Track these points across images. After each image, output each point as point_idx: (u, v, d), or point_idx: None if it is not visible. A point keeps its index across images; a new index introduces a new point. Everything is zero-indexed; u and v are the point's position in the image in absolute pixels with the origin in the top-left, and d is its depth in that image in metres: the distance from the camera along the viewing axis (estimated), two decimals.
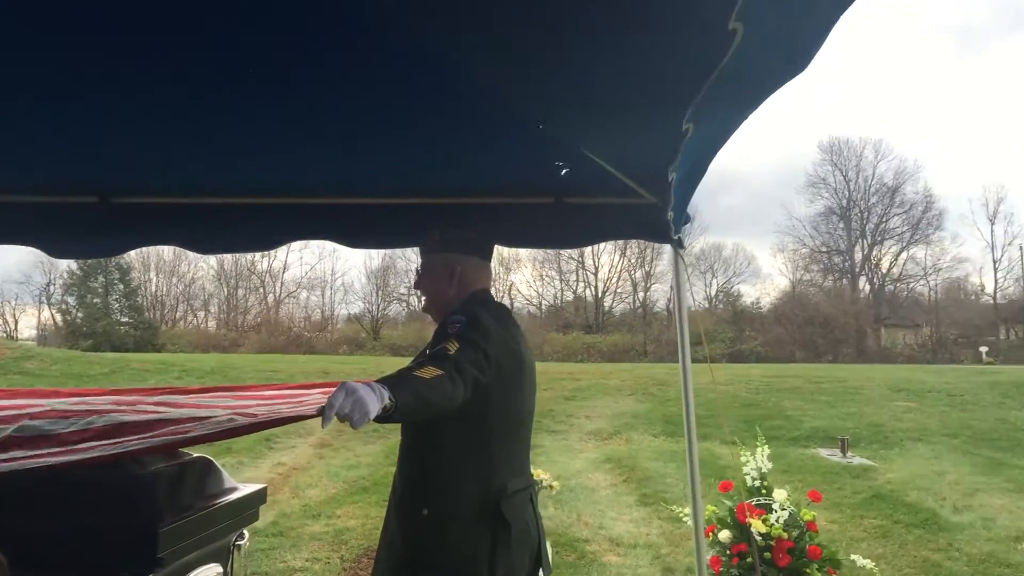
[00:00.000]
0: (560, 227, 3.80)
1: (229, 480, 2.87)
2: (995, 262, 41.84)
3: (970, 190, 71.55)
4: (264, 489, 2.99)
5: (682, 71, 1.75)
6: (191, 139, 3.02)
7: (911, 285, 43.33)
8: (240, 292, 41.52)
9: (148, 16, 1.96)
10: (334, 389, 1.89)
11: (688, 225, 3.85)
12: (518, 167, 3.45)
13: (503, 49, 1.97)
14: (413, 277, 2.86)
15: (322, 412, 1.87)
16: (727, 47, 1.44)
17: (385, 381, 2.03)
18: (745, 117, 2.20)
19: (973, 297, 42.15)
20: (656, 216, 3.34)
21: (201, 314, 42.15)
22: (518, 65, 2.09)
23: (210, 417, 2.42)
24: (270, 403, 2.51)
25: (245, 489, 2.87)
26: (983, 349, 33.05)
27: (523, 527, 2.60)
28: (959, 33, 61.18)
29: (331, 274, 40.53)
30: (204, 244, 4.22)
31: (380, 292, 38.88)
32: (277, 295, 41.20)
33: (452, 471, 2.51)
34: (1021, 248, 41.47)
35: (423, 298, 2.86)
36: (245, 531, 2.91)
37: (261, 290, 41.44)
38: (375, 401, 1.90)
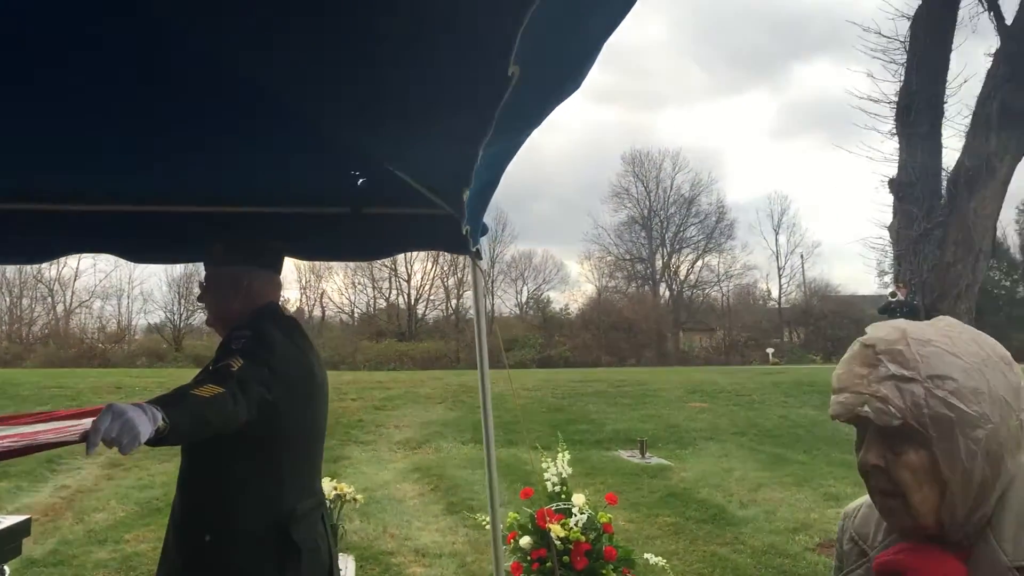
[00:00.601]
0: (358, 238, 3.75)
1: None
2: (780, 269, 45.18)
3: (757, 202, 76.80)
4: (28, 520, 2.76)
5: (467, 111, 1.78)
6: None
7: (706, 291, 46.01)
8: (25, 302, 38.32)
9: None
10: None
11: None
12: (314, 177, 3.38)
13: (294, 58, 1.91)
14: (196, 290, 2.74)
15: (87, 437, 1.74)
16: (506, 88, 1.47)
17: (159, 401, 1.92)
18: (528, 134, 2.26)
19: (761, 302, 45.19)
20: (454, 227, 3.36)
21: None
22: (310, 73, 2.03)
23: None
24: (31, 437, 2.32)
25: (5, 521, 2.64)
26: (769, 351, 35.51)
27: (313, 547, 2.53)
28: (747, 55, 65.67)
29: (128, 282, 37.77)
30: None
31: (183, 300, 36.97)
32: (67, 305, 38.29)
33: (236, 493, 2.41)
34: (802, 256, 44.99)
35: (207, 312, 2.74)
36: (6, 567, 2.68)
37: (49, 299, 38.43)
38: (146, 423, 1.79)
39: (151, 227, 3.61)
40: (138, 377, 18.17)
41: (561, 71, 1.71)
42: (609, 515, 5.10)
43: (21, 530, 2.70)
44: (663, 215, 46.47)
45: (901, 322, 1.25)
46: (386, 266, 39.12)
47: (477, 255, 3.69)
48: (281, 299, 2.84)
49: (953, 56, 16.59)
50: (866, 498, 1.44)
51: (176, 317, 36.56)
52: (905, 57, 17.06)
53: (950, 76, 16.71)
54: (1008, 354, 1.24)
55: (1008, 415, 1.18)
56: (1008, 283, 41.21)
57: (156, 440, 1.85)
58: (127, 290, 37.84)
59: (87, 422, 2.39)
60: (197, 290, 2.74)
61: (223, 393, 2.12)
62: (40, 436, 2.12)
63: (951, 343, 1.19)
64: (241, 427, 2.18)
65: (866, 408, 1.18)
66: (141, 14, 1.88)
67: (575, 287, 53.72)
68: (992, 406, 1.17)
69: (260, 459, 2.42)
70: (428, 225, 3.56)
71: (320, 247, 3.96)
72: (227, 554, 2.37)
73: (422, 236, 3.78)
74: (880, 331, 1.24)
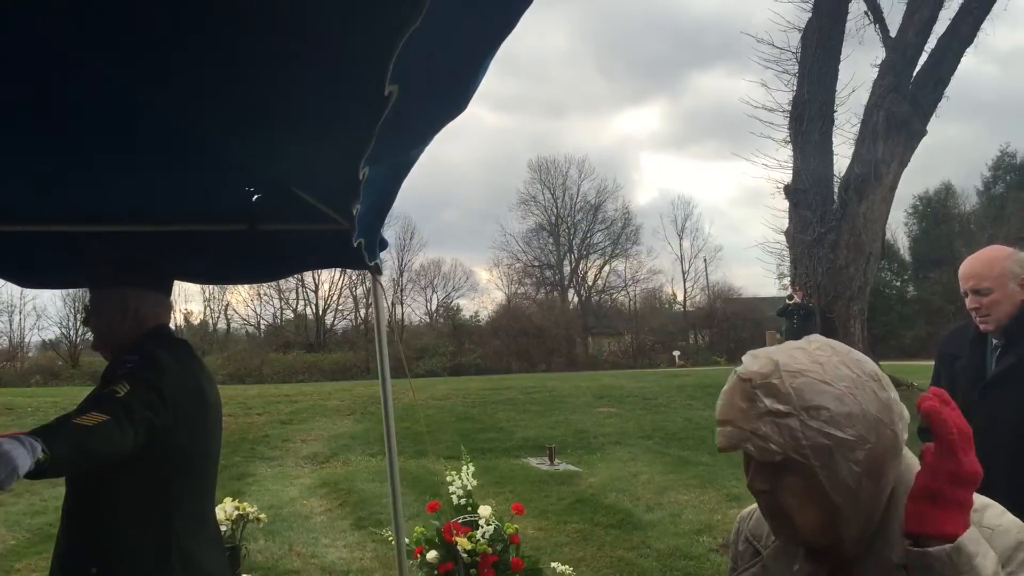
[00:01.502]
0: (255, 257, 3.68)
1: None
2: (684, 273, 46.31)
3: (661, 207, 78.39)
4: None
5: (348, 128, 1.77)
6: None
7: (614, 296, 46.74)
8: None
9: None
10: None
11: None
12: (206, 194, 3.30)
13: (181, 77, 1.88)
14: (81, 314, 2.65)
15: None
16: (384, 107, 1.48)
17: (39, 432, 1.86)
18: (418, 155, 2.27)
19: (667, 305, 46.17)
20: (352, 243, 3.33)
21: None
22: (196, 91, 2.00)
23: None
24: None
25: None
26: (676, 353, 36.26)
27: None
28: (647, 64, 67.12)
29: (20, 297, 36.16)
30: None
31: (79, 316, 35.56)
32: None
33: (123, 523, 2.33)
34: (705, 260, 46.16)
35: (94, 336, 2.65)
36: None
37: None
38: (25, 455, 1.73)
39: (39, 249, 3.48)
40: (31, 397, 17.41)
41: (444, 94, 1.73)
42: (516, 525, 5.12)
43: None
44: (570, 222, 47.06)
45: (775, 352, 1.29)
46: (294, 276, 38.49)
47: (376, 270, 3.67)
48: (184, 312, 2.77)
49: (842, 66, 17.31)
50: None
51: (72, 333, 35.17)
52: (797, 68, 17.67)
53: (839, 86, 17.42)
54: (877, 370, 1.29)
55: (883, 432, 1.23)
56: (899, 283, 43.11)
57: (36, 473, 1.79)
58: (19, 306, 36.19)
59: None
60: (83, 313, 2.65)
61: (108, 421, 2.05)
62: None
63: (822, 371, 1.24)
64: (128, 455, 2.12)
65: (749, 446, 1.23)
66: (27, 33, 1.83)
67: (484, 294, 53.98)
68: (867, 427, 1.22)
69: (149, 487, 2.35)
70: (327, 242, 3.51)
71: (216, 268, 3.87)
72: None
73: (321, 253, 3.73)
74: (754, 364, 1.28)
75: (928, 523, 1.17)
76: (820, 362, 1.26)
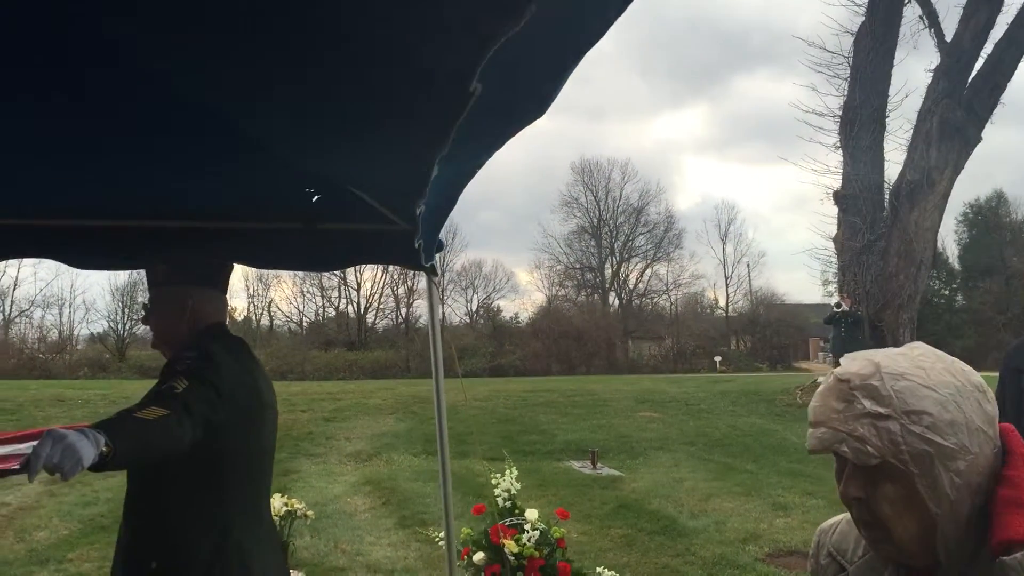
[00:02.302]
0: (312, 252, 3.68)
1: None
2: (727, 278, 45.91)
3: (705, 211, 77.77)
4: None
5: (426, 125, 1.75)
6: None
7: (655, 300, 46.48)
8: None
9: None
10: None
11: (443, 252, 3.89)
12: (265, 191, 3.30)
13: (246, 79, 1.87)
14: (140, 312, 2.66)
15: (27, 465, 1.69)
16: (465, 105, 1.45)
17: (101, 425, 1.87)
18: (490, 155, 2.24)
19: (708, 310, 45.85)
20: (409, 242, 3.32)
21: None
22: (261, 92, 1.98)
23: None
24: None
25: None
26: (717, 359, 35.94)
27: (263, 574, 2.47)
28: (690, 67, 66.68)
29: (70, 291, 36.92)
30: None
31: (127, 310, 36.21)
32: (7, 314, 37.28)
33: (182, 518, 2.35)
34: (748, 265, 45.73)
35: (153, 335, 2.66)
36: None
37: None
38: (89, 447, 1.74)
39: (97, 238, 3.52)
40: (81, 389, 17.76)
41: (524, 101, 1.70)
42: (563, 530, 5.09)
43: None
44: (612, 224, 46.87)
45: (875, 354, 1.24)
46: (335, 275, 38.86)
47: (432, 271, 3.66)
48: (228, 310, 2.78)
49: (895, 71, 17.01)
50: (844, 515, 1.44)
51: (120, 327, 35.82)
52: (848, 72, 17.41)
53: (892, 91, 17.13)
54: (983, 382, 1.23)
55: (986, 444, 1.18)
56: (947, 292, 42.28)
57: (99, 465, 1.80)
58: (69, 299, 37.03)
59: (27, 447, 2.31)
60: (142, 312, 2.66)
61: (168, 415, 2.07)
62: None
63: (925, 375, 1.18)
64: (187, 450, 2.12)
65: (844, 448, 1.17)
66: (96, 35, 1.83)
67: (525, 296, 53.91)
68: (970, 437, 1.16)
69: (206, 482, 2.36)
70: (383, 239, 3.51)
71: (272, 259, 3.89)
72: None
73: (377, 250, 3.72)
74: (853, 365, 1.22)
75: (1014, 527, 1.13)
76: (923, 367, 1.20)
